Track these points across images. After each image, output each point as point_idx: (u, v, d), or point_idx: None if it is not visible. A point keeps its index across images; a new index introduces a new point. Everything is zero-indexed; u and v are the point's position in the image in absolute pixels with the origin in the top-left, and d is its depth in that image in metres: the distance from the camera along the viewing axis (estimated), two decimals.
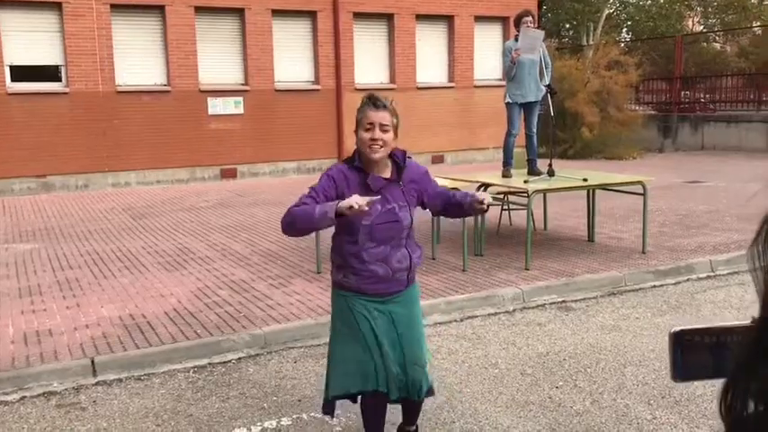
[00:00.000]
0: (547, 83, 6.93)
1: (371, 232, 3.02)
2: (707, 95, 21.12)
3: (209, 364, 4.65)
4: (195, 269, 6.83)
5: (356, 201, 2.79)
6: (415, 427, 3.47)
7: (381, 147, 2.98)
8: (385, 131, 2.98)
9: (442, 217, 6.48)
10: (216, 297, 5.85)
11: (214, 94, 13.54)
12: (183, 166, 13.39)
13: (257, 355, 4.79)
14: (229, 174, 13.79)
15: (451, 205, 3.24)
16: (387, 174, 3.10)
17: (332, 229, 3.11)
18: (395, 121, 3.03)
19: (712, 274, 6.69)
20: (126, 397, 4.17)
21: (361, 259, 3.04)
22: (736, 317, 5.46)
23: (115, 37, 12.69)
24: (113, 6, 12.56)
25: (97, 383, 4.36)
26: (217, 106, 13.56)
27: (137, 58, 12.98)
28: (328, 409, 3.26)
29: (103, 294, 5.98)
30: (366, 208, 2.81)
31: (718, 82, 20.59)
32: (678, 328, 0.97)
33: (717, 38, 27.99)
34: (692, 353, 0.96)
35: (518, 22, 7.10)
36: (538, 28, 6.98)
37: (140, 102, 12.95)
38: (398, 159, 3.11)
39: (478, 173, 8.76)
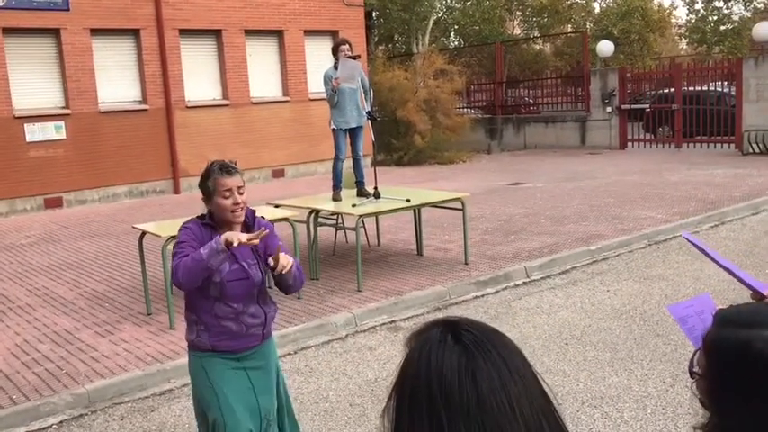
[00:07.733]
0: (368, 110, 7.19)
1: (222, 289, 3.07)
2: (530, 93, 22.71)
3: None
4: (14, 321, 6.43)
5: (238, 237, 2.91)
6: None
7: (242, 209, 3.10)
8: (242, 194, 3.09)
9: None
10: (35, 353, 5.55)
11: (32, 119, 12.70)
12: (1, 198, 12.46)
13: (81, 415, 4.62)
14: (54, 203, 13.00)
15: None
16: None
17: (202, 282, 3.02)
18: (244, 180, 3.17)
19: (527, 279, 7.25)
20: None
21: (213, 314, 3.09)
22: (546, 321, 5.99)
23: None
24: None
25: None
26: (35, 132, 12.73)
27: None
28: None
29: None
30: (257, 241, 2.96)
31: (537, 83, 22.18)
32: None
33: (535, 40, 30.04)
34: None
35: (335, 51, 7.30)
36: (355, 56, 7.20)
37: None
38: (248, 219, 3.19)
39: (310, 197, 8.92)
